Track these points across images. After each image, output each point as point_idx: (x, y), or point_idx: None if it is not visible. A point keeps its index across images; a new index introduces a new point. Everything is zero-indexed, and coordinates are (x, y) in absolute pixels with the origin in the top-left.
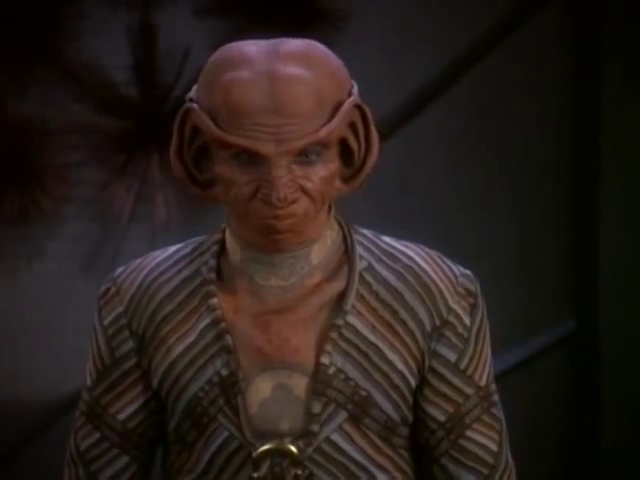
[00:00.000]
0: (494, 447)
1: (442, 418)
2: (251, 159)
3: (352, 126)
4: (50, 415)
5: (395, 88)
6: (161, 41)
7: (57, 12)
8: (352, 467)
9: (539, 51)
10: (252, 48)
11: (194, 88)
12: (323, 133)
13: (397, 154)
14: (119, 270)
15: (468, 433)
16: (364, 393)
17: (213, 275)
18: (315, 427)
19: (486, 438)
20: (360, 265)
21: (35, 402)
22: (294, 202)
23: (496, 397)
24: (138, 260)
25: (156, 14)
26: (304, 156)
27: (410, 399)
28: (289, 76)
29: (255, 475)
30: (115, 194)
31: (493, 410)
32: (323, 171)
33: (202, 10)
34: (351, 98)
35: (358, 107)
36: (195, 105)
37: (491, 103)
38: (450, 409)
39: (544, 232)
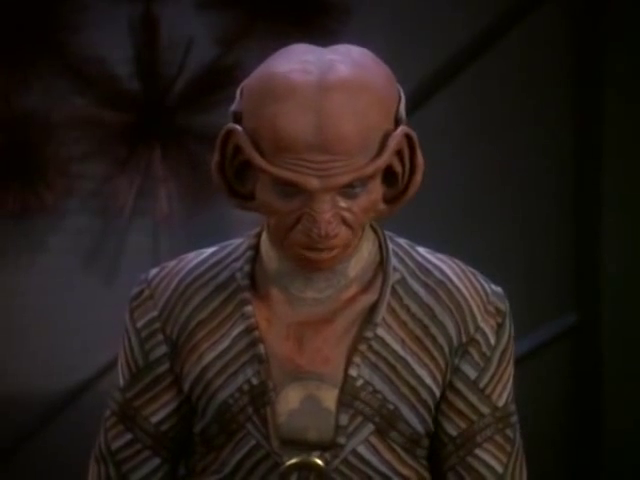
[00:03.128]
0: (499, 469)
1: (454, 433)
2: (294, 190)
3: (398, 153)
4: (51, 411)
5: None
6: (163, 34)
7: (59, 5)
8: (377, 479)
9: (539, 49)
10: (299, 76)
11: (237, 100)
12: (370, 170)
13: None
14: (153, 272)
15: (477, 451)
16: (391, 407)
17: (247, 282)
18: (342, 439)
19: (494, 459)
20: (393, 277)
21: (35, 397)
22: (335, 237)
23: (514, 419)
24: (172, 263)
25: (158, 7)
26: (349, 188)
27: (434, 412)
28: (336, 113)
29: None
30: (117, 188)
31: (508, 432)
32: (365, 202)
33: (204, 3)
34: (399, 130)
35: (406, 135)
36: (238, 127)
37: (492, 100)
38: (463, 425)
39: (546, 226)
